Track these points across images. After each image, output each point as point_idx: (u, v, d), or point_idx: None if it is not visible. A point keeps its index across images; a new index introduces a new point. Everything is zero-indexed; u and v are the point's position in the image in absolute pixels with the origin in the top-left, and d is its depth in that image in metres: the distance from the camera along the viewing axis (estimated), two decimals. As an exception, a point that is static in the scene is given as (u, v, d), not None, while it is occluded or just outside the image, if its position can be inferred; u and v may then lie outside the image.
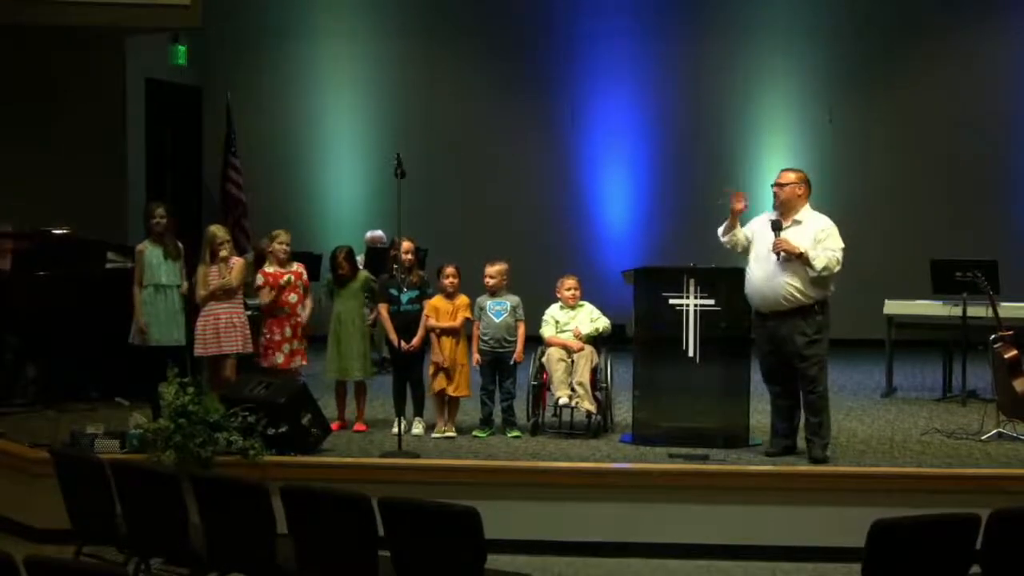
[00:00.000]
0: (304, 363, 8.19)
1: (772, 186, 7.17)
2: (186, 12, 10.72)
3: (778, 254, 6.94)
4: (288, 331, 8.04)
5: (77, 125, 11.47)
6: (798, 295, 6.94)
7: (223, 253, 7.95)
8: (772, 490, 6.79)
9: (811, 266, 6.89)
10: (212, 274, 7.93)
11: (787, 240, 6.94)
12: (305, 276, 8.25)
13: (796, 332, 6.97)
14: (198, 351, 8.00)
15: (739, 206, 7.14)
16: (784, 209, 7.08)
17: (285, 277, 8.09)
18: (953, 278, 9.18)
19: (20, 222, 9.88)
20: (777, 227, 7.00)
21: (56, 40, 11.10)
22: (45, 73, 11.36)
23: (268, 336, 8.06)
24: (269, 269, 8.15)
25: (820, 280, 6.95)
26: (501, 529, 5.98)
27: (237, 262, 8.09)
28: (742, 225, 7.22)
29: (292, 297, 8.08)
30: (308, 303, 8.17)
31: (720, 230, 7.25)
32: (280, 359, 7.99)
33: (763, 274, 7.03)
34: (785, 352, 7.06)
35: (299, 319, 8.09)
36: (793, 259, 6.91)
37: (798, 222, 7.05)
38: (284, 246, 8.16)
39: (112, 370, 9.00)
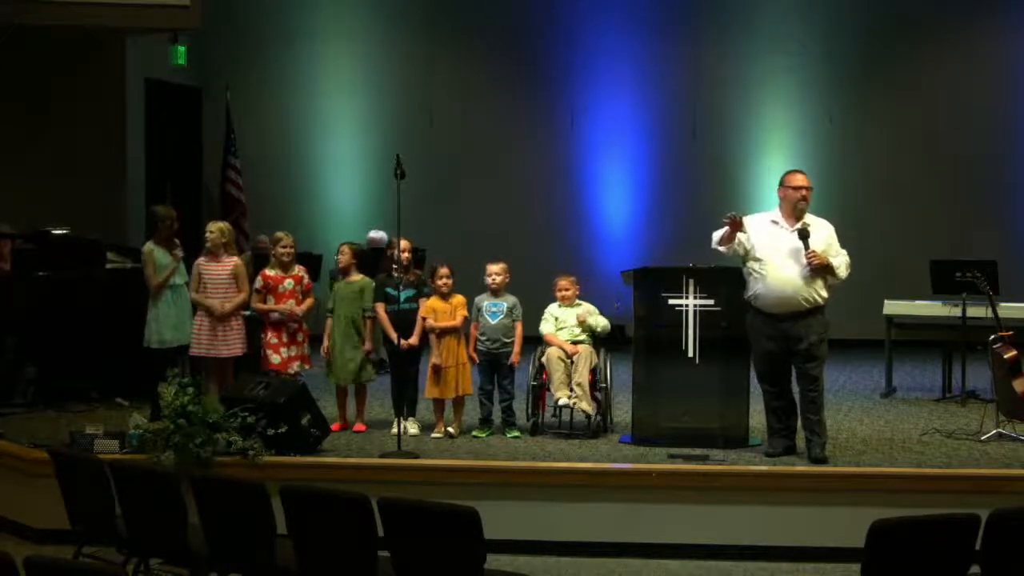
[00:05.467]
0: (308, 367, 8.15)
1: (801, 189, 7.09)
2: (186, 13, 10.72)
3: (810, 262, 6.96)
4: (286, 335, 8.01)
5: (77, 125, 11.46)
6: (817, 297, 7.07)
7: (207, 245, 8.04)
8: (772, 490, 6.79)
9: (835, 275, 7.05)
10: (214, 269, 8.02)
11: (819, 254, 6.98)
12: (307, 280, 8.19)
13: (810, 332, 7.05)
14: (193, 351, 8.05)
15: (738, 229, 7.11)
16: (800, 213, 7.12)
17: (285, 282, 8.06)
18: (953, 278, 9.17)
19: (20, 222, 9.88)
20: (805, 235, 7.00)
21: (56, 40, 11.09)
22: (45, 73, 11.34)
23: (266, 338, 8.04)
24: (270, 272, 8.11)
25: (831, 284, 7.11)
26: (501, 529, 5.99)
27: (237, 264, 8.10)
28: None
29: (291, 302, 8.04)
30: (308, 303, 8.14)
31: (716, 238, 7.22)
32: (277, 360, 7.96)
33: (786, 276, 7.03)
34: (793, 351, 7.09)
35: (299, 324, 8.05)
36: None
37: (807, 224, 7.11)
38: (287, 249, 8.09)
39: (112, 370, 9.01)
